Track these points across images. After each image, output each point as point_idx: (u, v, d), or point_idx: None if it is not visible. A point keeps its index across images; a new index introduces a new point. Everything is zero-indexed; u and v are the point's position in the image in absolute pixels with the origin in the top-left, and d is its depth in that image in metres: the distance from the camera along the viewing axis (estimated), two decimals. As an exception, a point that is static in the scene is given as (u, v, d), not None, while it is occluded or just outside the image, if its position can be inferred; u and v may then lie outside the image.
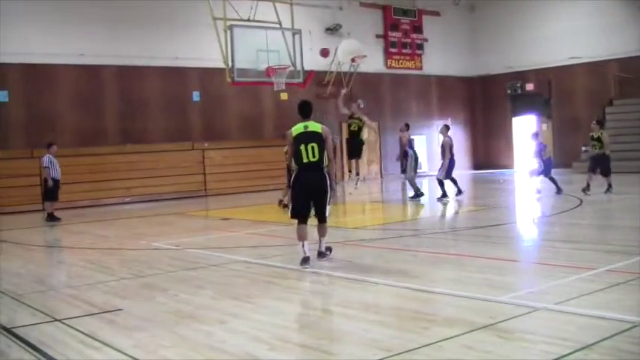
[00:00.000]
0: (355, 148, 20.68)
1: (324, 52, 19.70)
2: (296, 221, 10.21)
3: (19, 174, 22.18)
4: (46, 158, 18.93)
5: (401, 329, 6.37)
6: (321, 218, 10.21)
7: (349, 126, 20.31)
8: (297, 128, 10.12)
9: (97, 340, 6.43)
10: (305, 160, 9.90)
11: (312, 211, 10.21)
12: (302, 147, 9.91)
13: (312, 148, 9.88)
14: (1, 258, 12.56)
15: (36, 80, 23.97)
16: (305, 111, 10.31)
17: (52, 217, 18.68)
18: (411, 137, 21.16)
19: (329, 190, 10.06)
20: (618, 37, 30.43)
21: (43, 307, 8.01)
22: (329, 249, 10.50)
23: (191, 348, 6.06)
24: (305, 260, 9.87)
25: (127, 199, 24.46)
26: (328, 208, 10.19)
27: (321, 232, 10.29)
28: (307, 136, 9.97)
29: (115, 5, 25.15)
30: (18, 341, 6.55)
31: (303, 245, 9.99)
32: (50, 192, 18.90)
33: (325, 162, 10.15)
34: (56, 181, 18.92)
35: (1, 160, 22.39)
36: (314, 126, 10.11)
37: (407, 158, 20.50)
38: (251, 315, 7.16)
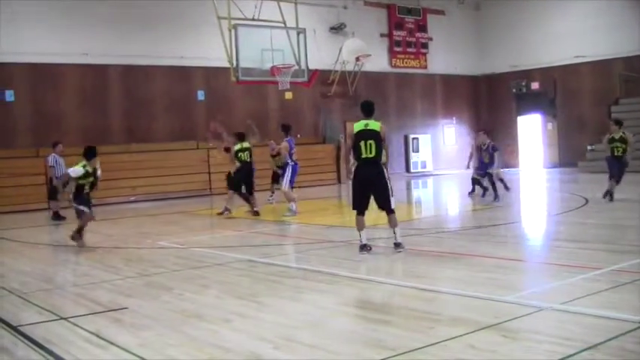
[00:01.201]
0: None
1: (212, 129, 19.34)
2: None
3: (25, 173, 22.22)
4: (51, 157, 18.89)
5: (406, 328, 6.37)
6: (388, 210, 10.83)
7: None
8: (359, 125, 10.83)
9: (102, 338, 6.44)
10: (364, 156, 10.66)
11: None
12: (362, 143, 10.65)
13: (370, 144, 10.58)
14: (7, 256, 12.58)
15: (42, 80, 24.01)
16: (367, 110, 10.98)
17: (57, 216, 18.64)
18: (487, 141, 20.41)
19: (388, 182, 10.75)
20: (624, 35, 30.37)
21: (49, 305, 8.03)
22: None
23: (196, 347, 6.06)
24: (364, 247, 10.67)
25: (132, 198, 24.48)
26: (393, 200, 10.83)
27: (392, 224, 10.81)
28: (367, 134, 10.65)
29: (120, 5, 25.19)
30: (24, 339, 6.56)
31: (360, 235, 10.76)
32: (55, 191, 18.66)
33: (383, 158, 10.87)
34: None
35: (7, 159, 22.44)
36: (374, 124, 10.76)
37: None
38: (256, 314, 7.17)
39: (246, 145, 18.25)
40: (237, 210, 18.10)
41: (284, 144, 17.50)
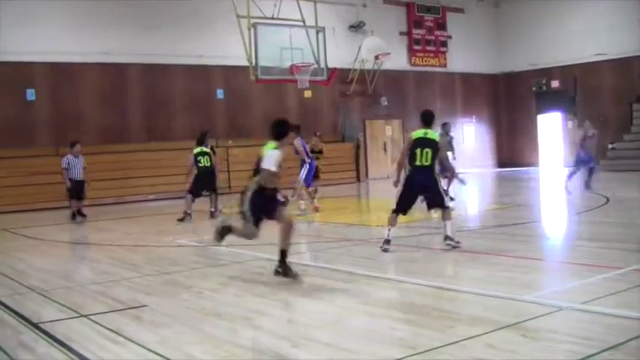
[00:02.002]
0: None
1: None
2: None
3: (46, 171, 22.32)
4: (64, 160, 18.66)
5: (425, 327, 6.35)
6: (443, 207, 11.08)
7: None
8: (418, 133, 11.11)
9: (122, 335, 6.46)
10: (418, 163, 10.93)
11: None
12: (418, 150, 10.91)
13: (427, 153, 10.87)
14: (28, 254, 12.66)
15: (62, 79, 24.15)
16: (426, 120, 11.24)
17: (73, 215, 18.61)
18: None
19: (441, 187, 11.24)
20: (645, 33, 30.18)
21: (70, 302, 8.07)
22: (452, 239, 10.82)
23: (215, 345, 6.08)
24: (387, 242, 10.81)
25: (152, 197, 24.55)
26: (446, 198, 11.41)
27: (446, 217, 10.96)
28: (425, 142, 10.96)
29: (140, 4, 25.29)
30: (45, 336, 6.60)
31: (390, 231, 10.95)
32: (70, 193, 18.70)
33: (436, 168, 11.30)
34: (76, 182, 18.51)
35: (27, 158, 22.60)
36: (432, 134, 11.13)
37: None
38: (275, 312, 7.18)
39: (205, 149, 17.98)
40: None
41: (297, 142, 17.36)
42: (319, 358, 5.68)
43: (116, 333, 6.57)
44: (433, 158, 10.91)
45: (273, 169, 8.75)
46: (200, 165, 17.76)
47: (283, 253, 8.75)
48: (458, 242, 10.63)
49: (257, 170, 9.07)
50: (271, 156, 8.82)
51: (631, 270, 8.27)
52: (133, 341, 6.26)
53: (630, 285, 7.51)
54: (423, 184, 10.93)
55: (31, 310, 7.80)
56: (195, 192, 17.67)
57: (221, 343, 6.11)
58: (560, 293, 7.48)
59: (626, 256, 9.37)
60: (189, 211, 17.34)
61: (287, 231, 8.81)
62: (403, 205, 11.10)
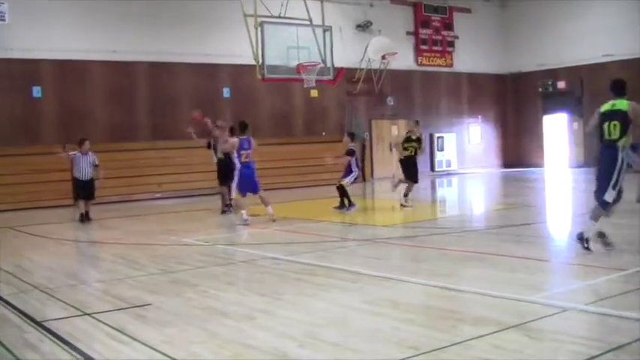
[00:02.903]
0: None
1: (195, 117, 18.67)
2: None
3: (52, 169, 22.33)
4: (74, 155, 18.02)
5: (430, 327, 6.36)
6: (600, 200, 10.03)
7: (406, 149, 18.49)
8: (605, 106, 10.30)
9: (126, 334, 6.48)
10: (605, 137, 10.04)
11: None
12: (606, 124, 10.06)
13: (615, 125, 9.96)
14: (33, 252, 12.68)
15: (69, 76, 24.17)
16: (615, 88, 10.51)
17: (82, 218, 17.72)
18: None
19: (616, 170, 9.80)
20: (653, 34, 30.09)
21: (74, 301, 8.08)
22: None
23: (220, 344, 6.08)
24: (602, 235, 10.01)
25: (158, 195, 24.58)
26: (611, 192, 9.84)
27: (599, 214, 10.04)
28: (612, 114, 10.07)
29: (147, 2, 25.30)
30: (49, 335, 6.62)
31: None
32: (77, 192, 18.20)
33: (623, 140, 9.99)
34: (82, 182, 17.88)
35: (34, 155, 22.61)
36: (621, 104, 10.09)
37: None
38: (280, 312, 7.18)
39: None
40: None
41: (232, 140, 16.03)
42: (324, 357, 5.68)
43: (120, 332, 6.58)
44: (622, 131, 9.82)
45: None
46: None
47: None
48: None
49: None
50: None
51: (636, 271, 8.26)
52: (137, 340, 6.27)
53: (635, 286, 7.51)
54: (601, 160, 9.99)
55: (36, 309, 7.82)
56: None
57: (226, 343, 6.11)
58: (564, 294, 7.48)
59: (630, 258, 9.37)
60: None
61: None
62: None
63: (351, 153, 17.68)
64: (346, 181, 17.53)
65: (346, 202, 17.43)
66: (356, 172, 17.73)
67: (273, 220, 15.48)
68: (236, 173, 15.79)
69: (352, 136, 18.11)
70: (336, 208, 17.41)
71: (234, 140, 15.86)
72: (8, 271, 10.42)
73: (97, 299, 8.25)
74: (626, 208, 15.79)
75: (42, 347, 6.26)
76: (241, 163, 15.69)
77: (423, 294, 7.96)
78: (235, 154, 15.72)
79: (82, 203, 17.97)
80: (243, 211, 15.63)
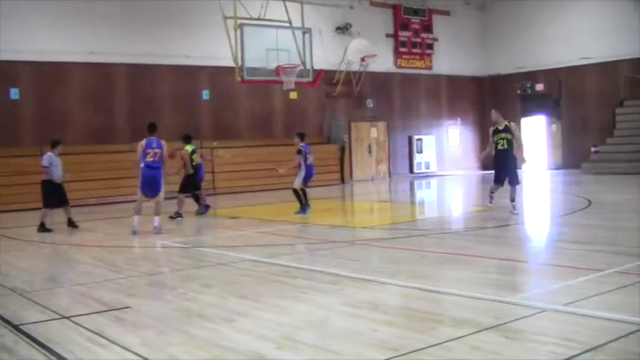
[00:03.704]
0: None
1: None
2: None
3: (30, 171, 22.13)
4: (46, 157, 16.65)
5: (408, 329, 6.37)
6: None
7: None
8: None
9: (104, 337, 6.44)
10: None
11: None
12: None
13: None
14: (10, 255, 12.59)
15: (47, 78, 24.05)
16: None
17: (42, 227, 16.39)
18: None
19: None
20: (629, 37, 30.30)
21: (52, 304, 8.04)
22: None
23: (199, 346, 6.06)
24: None
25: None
26: None
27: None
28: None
29: (126, 4, 25.23)
30: (26, 338, 6.56)
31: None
32: (50, 199, 16.61)
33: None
34: (57, 186, 16.78)
35: (11, 158, 22.47)
36: None
37: None
38: (259, 314, 7.17)
39: (194, 147, 18.75)
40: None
41: (140, 142, 15.57)
42: (303, 359, 5.68)
43: (99, 335, 6.55)
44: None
45: None
46: (194, 164, 18.46)
47: None
48: None
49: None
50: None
51: (613, 272, 8.32)
52: (115, 343, 6.24)
53: (612, 287, 7.55)
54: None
55: (13, 312, 7.76)
56: (191, 189, 18.61)
57: (204, 345, 6.10)
58: (543, 295, 7.51)
59: (608, 259, 9.42)
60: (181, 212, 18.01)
61: None
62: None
63: (298, 152, 17.55)
64: (296, 184, 17.51)
65: (304, 201, 17.52)
66: (303, 171, 17.44)
67: (156, 233, 14.71)
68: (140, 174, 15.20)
69: (302, 137, 17.93)
70: (296, 213, 17.36)
71: (142, 141, 15.38)
72: (-15, 275, 10.35)
73: (75, 302, 8.20)
74: (603, 210, 15.94)
75: (19, 350, 6.21)
76: (145, 162, 15.02)
77: (402, 296, 7.97)
78: (142, 154, 15.06)
79: (47, 211, 16.66)
80: (136, 217, 14.99)
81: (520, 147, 15.86)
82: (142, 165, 14.99)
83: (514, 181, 15.51)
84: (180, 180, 18.47)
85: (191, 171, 18.25)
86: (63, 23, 24.29)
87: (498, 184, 15.83)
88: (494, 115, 16.25)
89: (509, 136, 15.45)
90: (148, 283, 9.40)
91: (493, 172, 15.97)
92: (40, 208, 16.60)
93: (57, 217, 17.11)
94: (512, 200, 15.37)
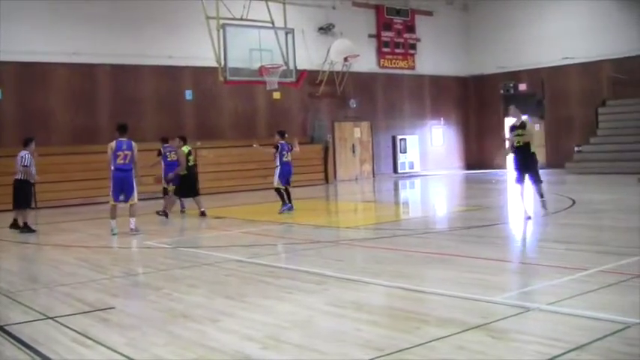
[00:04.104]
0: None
1: None
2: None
3: (12, 172, 22.02)
4: (25, 156, 16.41)
5: (393, 329, 6.38)
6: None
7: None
8: None
9: (89, 338, 6.42)
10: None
11: None
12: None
13: None
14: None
15: (29, 78, 23.94)
16: None
17: (24, 226, 16.39)
18: None
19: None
20: (612, 37, 30.47)
21: (36, 304, 8.00)
22: None
23: (184, 346, 6.05)
24: None
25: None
26: None
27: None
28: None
29: (108, 4, 25.14)
30: (10, 339, 6.54)
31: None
32: (24, 196, 16.54)
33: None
34: (30, 185, 16.84)
35: (-6, 158, 22.34)
36: None
37: None
38: (244, 314, 7.16)
39: (190, 148, 18.91)
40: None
41: (110, 144, 15.51)
42: (288, 359, 5.68)
43: (83, 335, 6.53)
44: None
45: None
46: (190, 164, 18.65)
47: None
48: None
49: None
50: None
51: (597, 271, 8.35)
52: (100, 343, 6.23)
53: (596, 286, 7.59)
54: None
55: (-3, 312, 7.73)
56: (184, 193, 18.53)
57: (189, 345, 6.08)
58: (527, 294, 7.54)
59: (592, 258, 9.47)
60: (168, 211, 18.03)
61: None
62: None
63: (274, 147, 17.80)
64: (275, 182, 17.85)
65: (286, 200, 17.83)
66: (278, 168, 17.81)
67: (133, 234, 14.65)
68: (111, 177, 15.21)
69: (282, 134, 18.21)
70: (279, 211, 17.55)
71: (111, 143, 15.24)
72: (-32, 275, 10.30)
73: (59, 303, 8.16)
74: (586, 209, 16.02)
75: (3, 351, 6.18)
76: (116, 165, 14.98)
77: (387, 295, 7.99)
78: (112, 157, 15.00)
79: (21, 211, 16.66)
80: (113, 221, 14.98)
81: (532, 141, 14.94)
82: (112, 168, 14.97)
83: (537, 179, 14.75)
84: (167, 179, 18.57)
85: (185, 172, 18.18)
86: (46, 23, 24.17)
87: (520, 185, 14.76)
88: (513, 110, 15.69)
89: (526, 133, 14.72)
90: (133, 283, 9.38)
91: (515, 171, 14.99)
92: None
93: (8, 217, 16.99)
94: (542, 196, 14.70)
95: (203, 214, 17.93)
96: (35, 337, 6.56)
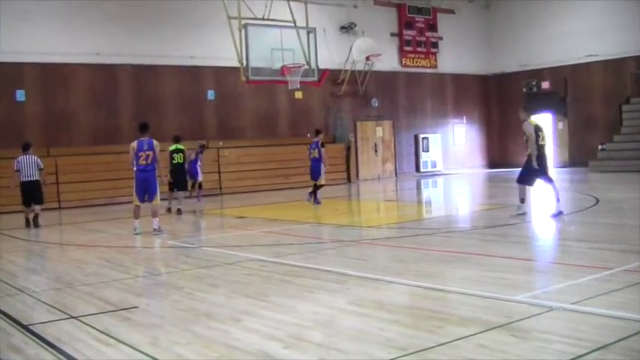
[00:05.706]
0: None
1: None
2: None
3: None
4: (16, 162, 17.39)
5: (415, 328, 6.35)
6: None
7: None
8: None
9: (112, 337, 6.44)
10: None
11: None
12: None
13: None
14: (18, 255, 12.62)
15: (52, 79, 24.11)
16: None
17: (27, 222, 17.32)
18: None
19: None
20: (635, 34, 30.22)
21: (60, 304, 8.05)
22: None
23: (206, 346, 6.06)
24: None
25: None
26: None
27: None
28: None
29: (130, 4, 25.26)
30: (35, 338, 6.58)
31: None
32: (23, 197, 17.39)
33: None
34: (27, 183, 17.29)
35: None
36: None
37: None
38: (266, 313, 7.17)
39: (180, 146, 19.53)
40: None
41: (131, 144, 15.44)
42: (310, 358, 5.67)
43: (106, 334, 6.55)
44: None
45: None
46: (174, 162, 19.52)
47: None
48: None
49: None
50: None
51: (621, 270, 8.29)
52: (123, 342, 6.25)
53: (620, 285, 7.53)
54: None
55: (21, 312, 7.78)
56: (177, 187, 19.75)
57: (212, 344, 6.09)
58: (550, 293, 7.48)
59: (616, 257, 9.40)
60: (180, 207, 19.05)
61: None
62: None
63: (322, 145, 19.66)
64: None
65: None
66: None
67: (155, 234, 14.70)
68: (134, 177, 15.18)
69: (316, 133, 19.80)
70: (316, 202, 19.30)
71: (133, 143, 15.23)
72: (-8, 275, 10.37)
73: (82, 302, 8.20)
74: (610, 208, 15.91)
75: (27, 350, 6.22)
76: (138, 166, 14.92)
77: (409, 295, 7.96)
78: (134, 158, 14.98)
79: (27, 207, 17.45)
80: (136, 221, 14.99)
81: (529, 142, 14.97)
82: (134, 169, 15.00)
83: (550, 178, 15.06)
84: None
85: (170, 168, 19.66)
86: (68, 25, 24.32)
87: (532, 185, 15.24)
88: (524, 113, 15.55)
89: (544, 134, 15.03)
90: (155, 283, 9.41)
91: (539, 172, 15.07)
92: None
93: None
94: (558, 200, 14.57)
95: (179, 211, 19.00)
96: (59, 336, 6.59)
